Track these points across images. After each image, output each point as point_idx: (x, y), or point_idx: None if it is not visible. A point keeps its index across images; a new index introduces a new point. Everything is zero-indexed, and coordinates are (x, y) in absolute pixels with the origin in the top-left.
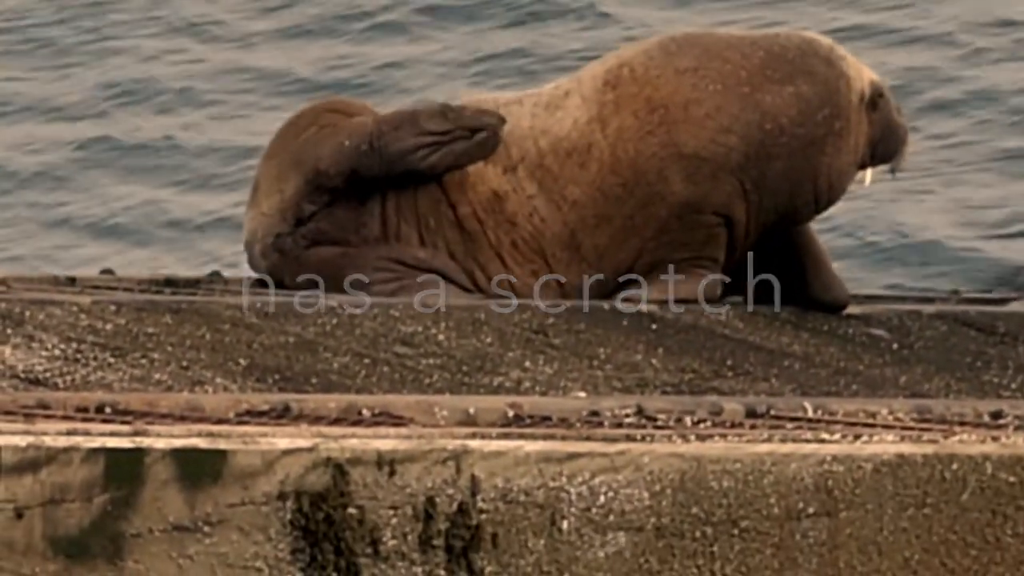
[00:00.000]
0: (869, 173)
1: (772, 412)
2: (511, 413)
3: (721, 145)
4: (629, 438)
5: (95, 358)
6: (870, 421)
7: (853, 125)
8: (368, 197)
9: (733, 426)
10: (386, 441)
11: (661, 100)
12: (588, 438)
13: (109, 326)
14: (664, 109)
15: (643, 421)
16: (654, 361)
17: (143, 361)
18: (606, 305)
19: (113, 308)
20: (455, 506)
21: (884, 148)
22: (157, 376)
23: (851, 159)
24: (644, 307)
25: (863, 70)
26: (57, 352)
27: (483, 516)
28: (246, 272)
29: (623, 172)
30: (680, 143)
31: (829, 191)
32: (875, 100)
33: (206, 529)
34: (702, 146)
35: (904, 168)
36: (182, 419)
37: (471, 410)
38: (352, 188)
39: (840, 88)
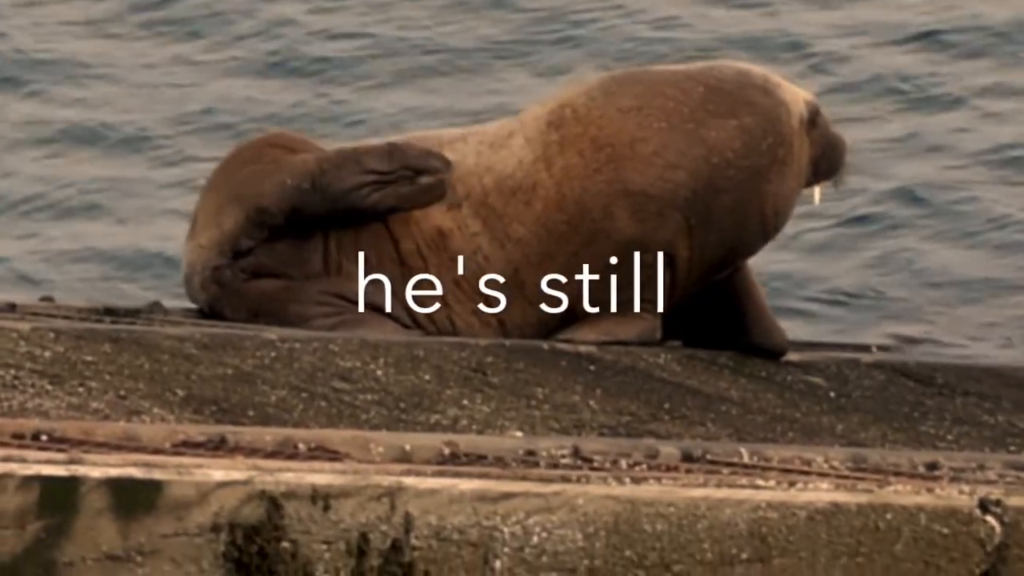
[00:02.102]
0: (817, 190)
1: (708, 457)
2: (447, 451)
3: (669, 181)
4: (564, 479)
5: (32, 385)
6: (805, 468)
7: (796, 150)
8: (310, 233)
9: (668, 470)
10: (321, 476)
11: (607, 139)
12: (523, 478)
13: (47, 353)
14: (611, 148)
15: (579, 462)
16: (591, 402)
17: (80, 389)
18: (545, 345)
19: (52, 335)
20: (388, 543)
21: (827, 164)
22: (94, 405)
23: (795, 184)
24: (583, 348)
25: (797, 92)
26: None
27: (416, 553)
28: (187, 303)
29: (568, 209)
30: (627, 180)
31: (775, 218)
32: (813, 119)
33: (139, 559)
34: (650, 183)
35: (847, 180)
36: (118, 448)
37: (407, 447)
38: (293, 224)
39: (780, 116)
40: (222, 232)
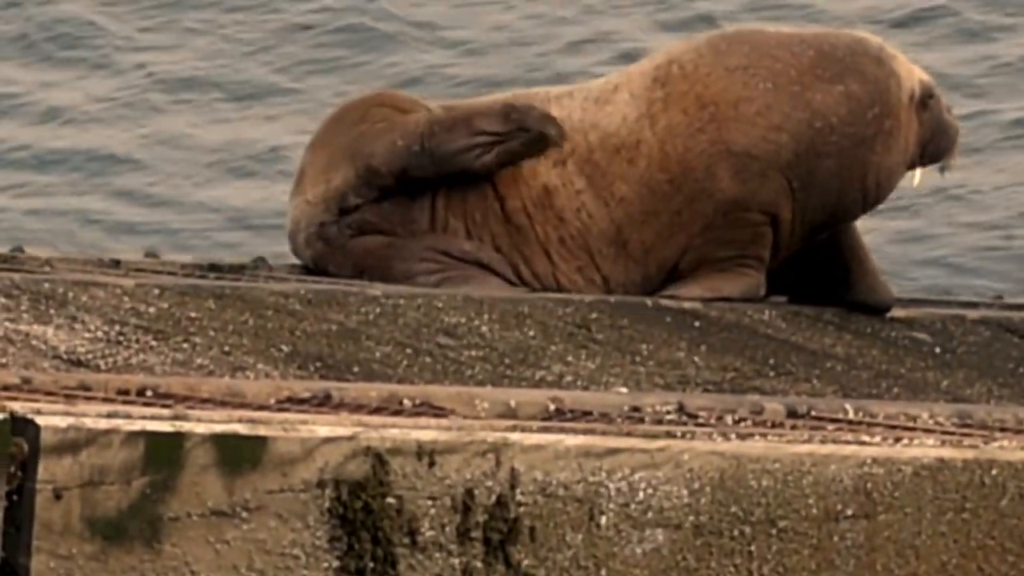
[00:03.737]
0: (919, 173)
1: (813, 413)
2: (552, 407)
3: (771, 143)
4: (669, 435)
5: (137, 341)
6: (911, 424)
7: (903, 124)
8: (418, 192)
9: (774, 426)
10: (426, 432)
11: (711, 97)
12: (628, 434)
13: (152, 309)
14: (714, 106)
15: (684, 418)
16: (696, 359)
17: (185, 345)
18: (649, 301)
19: (156, 291)
20: (494, 499)
21: (935, 148)
22: (199, 361)
23: (900, 158)
24: (687, 304)
25: (913, 69)
26: (100, 334)
27: (521, 509)
28: (291, 259)
29: (671, 168)
30: (730, 140)
31: (877, 190)
32: (925, 100)
33: (244, 515)
34: (752, 144)
35: (955, 168)
36: (223, 404)
37: (512, 403)
38: (403, 185)
39: (890, 87)
40: (329, 188)
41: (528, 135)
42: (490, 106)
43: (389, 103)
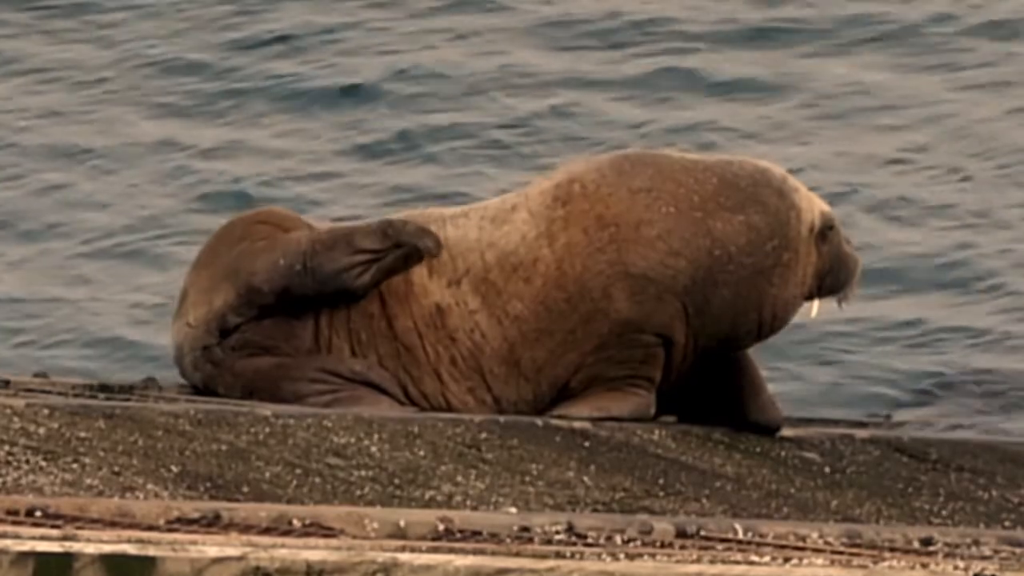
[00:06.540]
0: (816, 304)
1: (702, 533)
2: (441, 527)
3: (669, 267)
4: (559, 555)
5: (27, 461)
6: (800, 544)
7: (801, 257)
8: (300, 309)
9: (663, 546)
10: (316, 552)
11: (612, 218)
12: (518, 554)
13: (42, 430)
14: (615, 227)
15: (573, 538)
16: (586, 478)
17: (75, 465)
18: (539, 421)
19: (46, 412)
20: None
21: (833, 280)
22: (88, 481)
23: (798, 291)
24: (577, 424)
25: (814, 201)
26: None
27: None
28: (180, 378)
29: (568, 287)
30: (629, 262)
31: (773, 321)
32: (825, 232)
33: None
34: (650, 267)
35: (853, 300)
36: (112, 525)
37: (402, 523)
38: (283, 303)
39: (790, 220)
40: (211, 310)
41: (403, 251)
42: (368, 224)
43: (271, 220)
